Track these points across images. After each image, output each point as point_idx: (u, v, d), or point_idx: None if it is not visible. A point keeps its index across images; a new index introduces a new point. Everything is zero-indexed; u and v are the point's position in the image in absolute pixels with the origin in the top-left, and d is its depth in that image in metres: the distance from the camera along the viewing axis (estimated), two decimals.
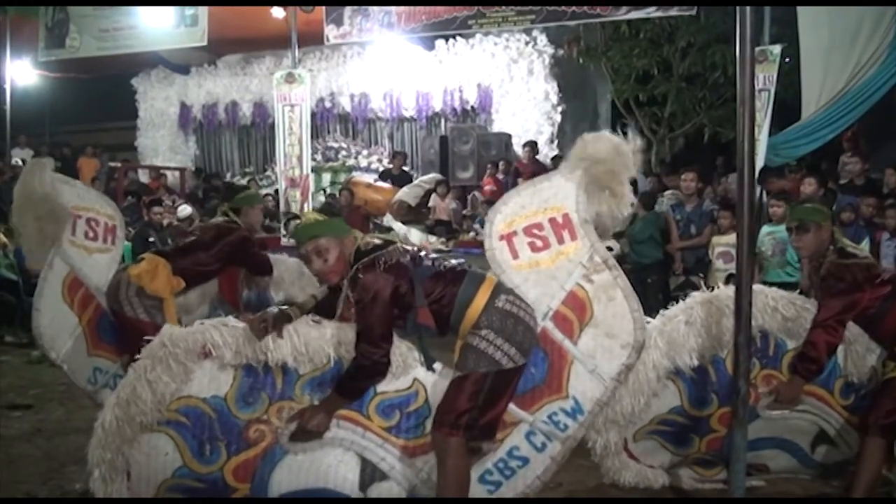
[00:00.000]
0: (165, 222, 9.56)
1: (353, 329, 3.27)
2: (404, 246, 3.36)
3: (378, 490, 3.30)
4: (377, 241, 3.33)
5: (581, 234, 3.31)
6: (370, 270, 3.19)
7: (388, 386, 3.28)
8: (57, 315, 4.64)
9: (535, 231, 3.33)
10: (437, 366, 3.32)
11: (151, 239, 8.16)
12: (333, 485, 3.30)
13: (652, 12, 8.77)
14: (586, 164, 3.29)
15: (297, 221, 3.59)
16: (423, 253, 3.38)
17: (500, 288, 3.26)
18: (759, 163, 7.88)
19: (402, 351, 3.29)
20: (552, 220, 3.33)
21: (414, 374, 3.30)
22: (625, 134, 3.37)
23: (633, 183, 3.39)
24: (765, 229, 6.80)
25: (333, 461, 3.28)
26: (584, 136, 3.38)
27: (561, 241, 3.32)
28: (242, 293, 5.10)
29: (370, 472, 3.29)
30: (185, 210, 10.46)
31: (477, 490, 3.30)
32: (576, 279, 3.31)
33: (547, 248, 3.33)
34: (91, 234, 4.71)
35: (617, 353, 3.30)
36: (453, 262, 3.39)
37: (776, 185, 7.52)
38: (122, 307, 4.48)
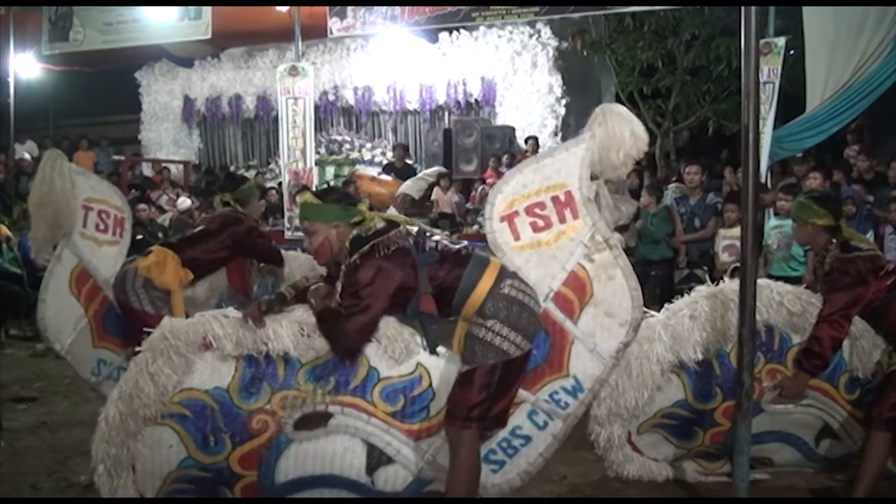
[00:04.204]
0: (163, 217, 9.60)
1: None
2: (408, 228, 3.32)
3: (385, 474, 3.32)
4: (379, 226, 3.29)
5: (583, 213, 3.27)
6: (369, 259, 3.16)
7: (392, 371, 3.27)
8: (63, 307, 4.65)
9: (537, 210, 3.29)
10: (440, 349, 3.32)
11: (139, 237, 8.10)
12: (340, 470, 3.31)
13: (656, 5, 8.74)
14: (600, 135, 3.22)
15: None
16: (428, 234, 3.34)
17: (504, 272, 3.23)
18: (764, 156, 7.87)
19: (405, 336, 3.28)
20: (555, 199, 3.28)
21: (417, 359, 3.29)
22: None
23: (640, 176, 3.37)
24: (771, 222, 6.80)
25: (339, 448, 3.29)
26: (605, 106, 3.30)
27: (563, 220, 3.28)
28: (253, 285, 5.12)
29: (376, 457, 3.30)
30: (184, 203, 10.49)
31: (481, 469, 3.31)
32: (577, 259, 3.28)
33: (549, 228, 3.29)
34: (101, 227, 4.73)
35: (616, 331, 3.29)
36: (457, 245, 3.37)
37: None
38: (129, 298, 4.49)
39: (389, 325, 3.29)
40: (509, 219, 3.32)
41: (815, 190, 6.44)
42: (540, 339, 3.30)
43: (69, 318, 4.67)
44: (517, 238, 3.32)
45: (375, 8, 9.90)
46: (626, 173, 3.35)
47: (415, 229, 3.34)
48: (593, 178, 3.29)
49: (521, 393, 3.31)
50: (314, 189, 4.11)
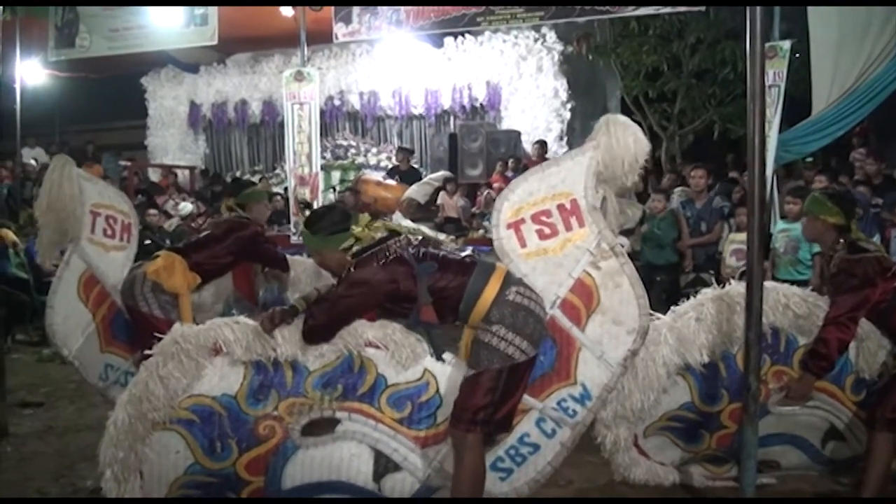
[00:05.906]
0: (169, 223, 9.61)
1: (361, 323, 3.29)
2: (410, 237, 3.34)
3: (392, 481, 3.33)
4: (380, 235, 3.31)
5: (589, 221, 3.31)
6: (366, 264, 3.21)
7: (399, 377, 3.29)
8: (71, 312, 4.67)
9: (543, 218, 3.33)
10: (447, 356, 3.33)
11: (147, 241, 8.13)
12: (347, 477, 3.32)
13: (661, 8, 8.73)
14: (604, 145, 3.26)
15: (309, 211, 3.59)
16: (431, 243, 3.37)
17: (510, 279, 3.25)
18: (770, 159, 7.86)
19: (412, 342, 3.30)
20: (560, 207, 3.32)
21: (424, 365, 3.31)
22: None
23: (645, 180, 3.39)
24: (779, 226, 6.78)
25: (346, 454, 3.31)
26: (609, 117, 3.35)
27: (569, 227, 3.32)
28: (259, 290, 5.12)
29: (383, 464, 3.31)
30: (185, 208, 10.50)
31: (488, 477, 3.30)
32: (583, 266, 3.31)
33: (555, 236, 3.32)
34: (109, 232, 4.75)
35: (623, 338, 3.31)
36: (461, 254, 3.39)
37: None
38: (137, 303, 4.50)
39: (396, 331, 3.30)
40: (516, 226, 3.35)
41: (831, 187, 6.40)
42: (547, 347, 3.31)
43: (77, 324, 4.69)
44: (523, 245, 3.34)
45: (380, 13, 9.91)
46: (633, 181, 3.37)
47: (417, 238, 3.36)
48: (601, 180, 3.31)
49: (529, 400, 3.33)
50: (321, 191, 4.11)
